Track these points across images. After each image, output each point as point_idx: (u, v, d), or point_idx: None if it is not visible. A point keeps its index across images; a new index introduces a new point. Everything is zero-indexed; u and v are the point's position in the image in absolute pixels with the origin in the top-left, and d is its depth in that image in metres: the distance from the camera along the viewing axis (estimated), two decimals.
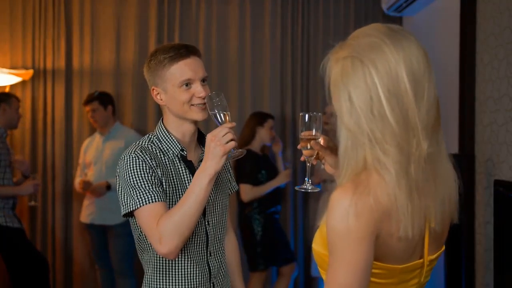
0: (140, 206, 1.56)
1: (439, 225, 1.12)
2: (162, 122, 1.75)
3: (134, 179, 1.58)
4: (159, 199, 1.57)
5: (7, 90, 3.98)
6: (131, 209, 1.58)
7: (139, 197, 1.56)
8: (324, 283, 1.18)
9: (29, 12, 4.16)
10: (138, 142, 1.71)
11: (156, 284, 1.69)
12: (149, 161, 1.62)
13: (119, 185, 1.64)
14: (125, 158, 1.63)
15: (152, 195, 1.56)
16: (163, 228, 1.51)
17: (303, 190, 1.63)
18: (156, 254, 1.67)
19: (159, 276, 1.69)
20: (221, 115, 1.59)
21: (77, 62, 4.21)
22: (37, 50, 4.17)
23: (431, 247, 1.15)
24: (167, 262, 1.68)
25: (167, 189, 1.64)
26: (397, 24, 4.34)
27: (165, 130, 1.72)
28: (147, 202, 1.56)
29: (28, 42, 4.16)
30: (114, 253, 3.80)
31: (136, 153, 1.63)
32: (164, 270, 1.69)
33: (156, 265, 1.69)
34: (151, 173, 1.60)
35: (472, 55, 2.98)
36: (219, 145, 1.52)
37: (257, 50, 4.32)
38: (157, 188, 1.59)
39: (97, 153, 3.86)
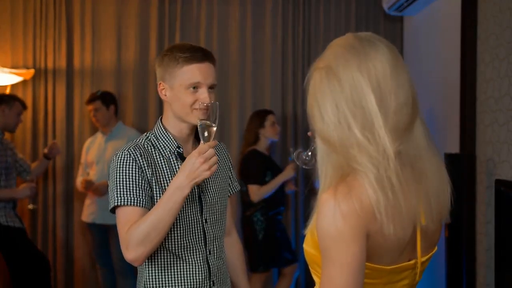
0: (118, 204, 1.58)
1: (431, 223, 1.12)
2: (161, 121, 1.77)
3: (121, 177, 1.61)
4: (138, 204, 1.58)
5: (8, 90, 3.98)
6: (112, 205, 1.61)
7: (120, 195, 1.59)
8: (316, 284, 1.19)
9: (30, 11, 4.16)
10: (135, 140, 1.73)
11: (154, 283, 1.69)
12: (140, 160, 1.63)
13: (109, 180, 1.66)
14: (118, 154, 1.66)
15: (132, 198, 1.58)
16: (130, 235, 1.54)
17: (298, 162, 1.68)
18: (156, 250, 1.67)
19: (157, 274, 1.69)
20: (209, 130, 1.57)
21: (78, 62, 4.21)
22: (38, 50, 4.17)
23: (423, 248, 1.15)
24: (165, 260, 1.68)
25: (158, 189, 1.64)
26: (398, 23, 4.36)
27: (162, 128, 1.75)
28: (125, 203, 1.58)
29: (29, 41, 4.16)
30: (115, 253, 3.81)
31: (129, 150, 1.65)
32: (162, 268, 1.69)
33: (154, 262, 1.69)
34: (139, 173, 1.62)
35: (473, 55, 2.97)
36: (207, 168, 1.52)
37: (258, 50, 4.32)
38: (141, 191, 1.60)
39: (99, 153, 3.86)
